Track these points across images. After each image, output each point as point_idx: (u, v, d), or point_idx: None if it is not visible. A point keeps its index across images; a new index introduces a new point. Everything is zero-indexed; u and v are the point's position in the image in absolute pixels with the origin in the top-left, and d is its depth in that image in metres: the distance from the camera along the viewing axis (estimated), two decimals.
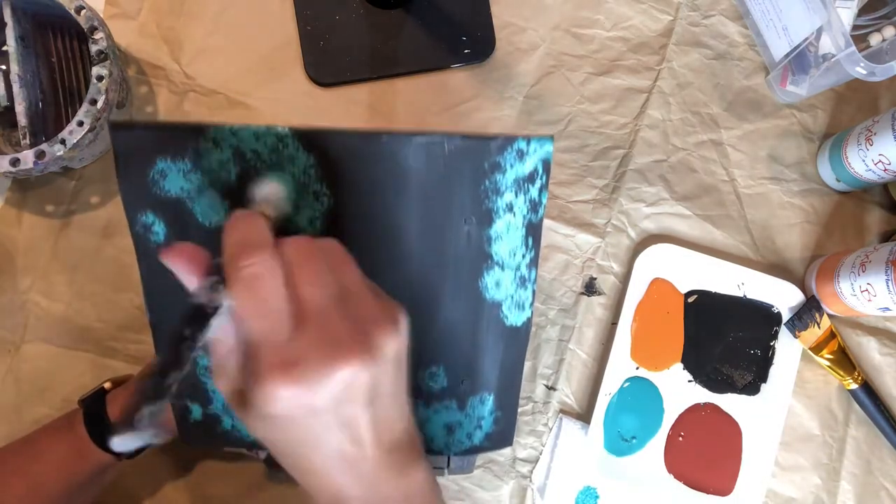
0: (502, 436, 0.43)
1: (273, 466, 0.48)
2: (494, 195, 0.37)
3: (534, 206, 0.38)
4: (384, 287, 0.38)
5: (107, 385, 0.46)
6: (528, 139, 0.36)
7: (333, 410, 0.26)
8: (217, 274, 0.28)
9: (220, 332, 0.28)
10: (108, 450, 0.43)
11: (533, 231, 0.38)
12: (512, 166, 0.37)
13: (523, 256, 0.39)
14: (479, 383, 0.41)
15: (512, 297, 0.40)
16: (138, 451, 0.46)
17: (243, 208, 0.35)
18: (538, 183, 0.37)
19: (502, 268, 0.39)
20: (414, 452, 0.31)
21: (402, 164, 0.36)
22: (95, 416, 0.44)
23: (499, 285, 0.39)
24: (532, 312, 0.40)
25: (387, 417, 0.29)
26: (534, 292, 0.40)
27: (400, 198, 0.37)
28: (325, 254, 0.29)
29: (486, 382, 0.41)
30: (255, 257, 0.26)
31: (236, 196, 0.35)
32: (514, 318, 0.40)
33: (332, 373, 0.25)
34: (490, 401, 0.42)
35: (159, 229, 0.36)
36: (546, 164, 0.37)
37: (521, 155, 0.37)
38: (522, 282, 0.39)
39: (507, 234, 0.38)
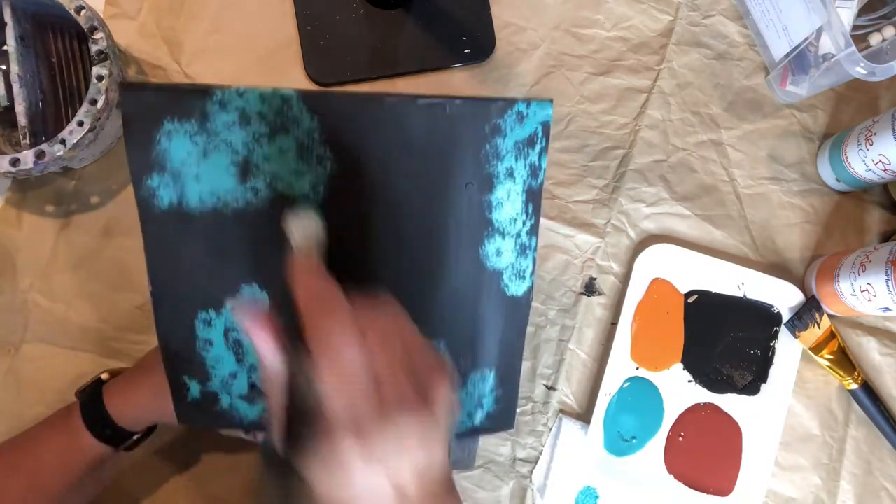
0: (503, 416, 0.43)
1: (269, 461, 0.48)
2: (495, 159, 0.37)
3: (534, 170, 0.38)
4: (386, 256, 0.38)
5: (104, 376, 0.46)
6: (528, 102, 0.37)
7: (384, 463, 0.28)
8: (291, 340, 0.29)
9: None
10: (105, 440, 0.43)
11: (533, 197, 0.39)
12: (512, 129, 0.37)
13: (524, 223, 0.39)
14: (480, 358, 0.41)
15: (512, 266, 0.40)
16: (136, 443, 0.45)
17: (247, 173, 0.36)
18: (538, 147, 0.38)
19: (503, 235, 0.39)
20: (449, 486, 0.33)
21: (404, 126, 0.36)
22: (92, 406, 0.43)
23: (499, 253, 0.39)
24: (533, 282, 0.41)
25: (430, 462, 0.30)
26: (534, 261, 0.40)
27: (402, 162, 0.37)
28: (387, 314, 0.31)
29: (487, 357, 0.41)
30: (337, 326, 0.28)
31: (240, 161, 0.36)
32: (515, 287, 0.40)
33: (396, 434, 0.27)
34: (491, 377, 0.42)
35: (164, 194, 0.36)
36: (546, 128, 0.37)
37: (521, 118, 0.37)
38: (523, 250, 0.40)
39: (507, 201, 0.38)
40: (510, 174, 0.38)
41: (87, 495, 0.46)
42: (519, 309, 0.41)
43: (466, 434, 0.43)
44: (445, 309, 0.40)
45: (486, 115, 0.37)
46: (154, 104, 0.35)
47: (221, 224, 0.37)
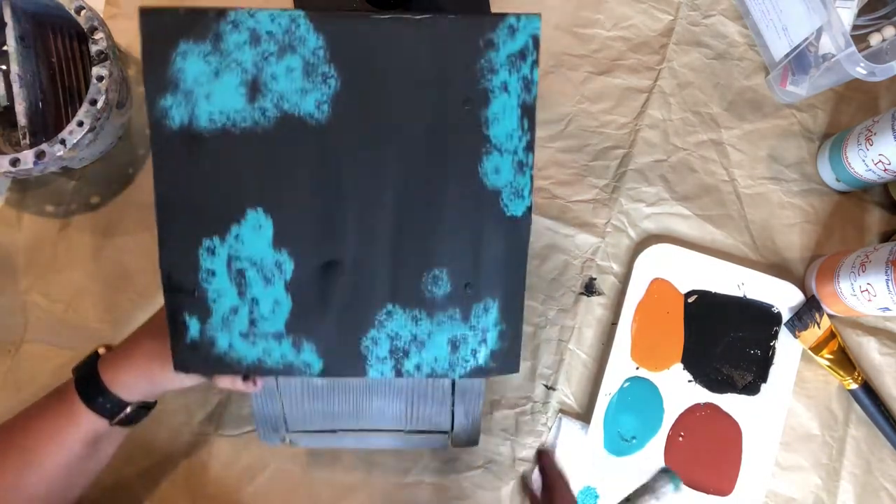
0: (508, 356, 0.42)
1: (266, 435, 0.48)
2: (490, 73, 0.38)
3: (527, 84, 0.39)
4: (388, 176, 0.39)
5: (101, 350, 0.46)
6: (518, 16, 0.38)
7: None
8: None
9: None
10: (99, 411, 0.42)
11: (528, 112, 0.39)
12: (504, 43, 0.38)
13: (520, 139, 0.39)
14: (482, 287, 0.41)
15: (511, 185, 0.40)
16: (131, 419, 0.44)
17: (256, 92, 0.38)
18: (529, 59, 0.39)
19: (500, 152, 0.39)
20: None
21: (404, 45, 0.38)
22: (88, 378, 0.43)
23: (498, 171, 0.40)
24: (531, 202, 0.40)
25: None
26: (531, 178, 0.40)
27: (402, 80, 0.38)
28: None
29: (489, 285, 0.41)
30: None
31: (249, 80, 0.38)
32: (514, 207, 0.40)
33: None
34: (494, 309, 0.41)
35: (176, 114, 0.38)
36: (535, 40, 0.38)
37: (513, 31, 0.38)
38: (520, 167, 0.40)
39: (503, 115, 0.39)
40: (505, 88, 0.39)
41: (83, 475, 0.45)
42: (519, 231, 0.41)
43: (471, 375, 0.42)
44: (446, 234, 0.40)
45: (479, 29, 0.38)
46: (171, 25, 0.37)
47: (229, 145, 0.38)
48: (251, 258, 0.40)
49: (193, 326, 0.40)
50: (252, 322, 0.40)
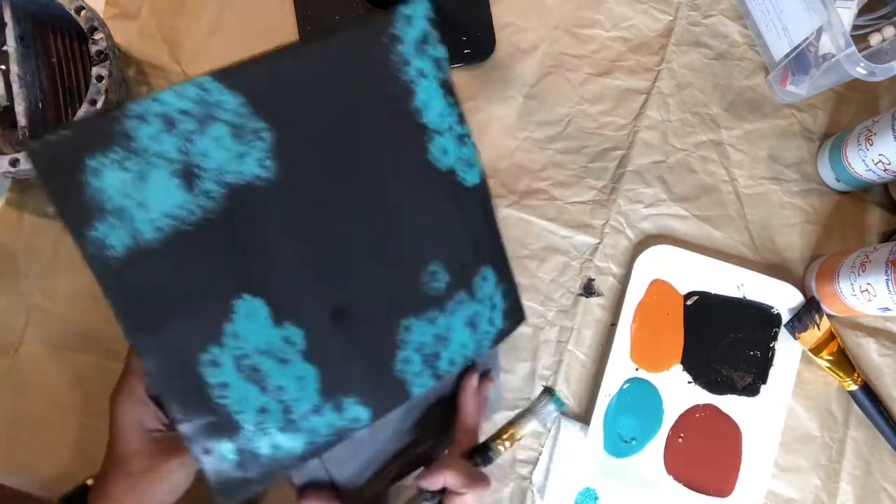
0: (514, 310, 0.43)
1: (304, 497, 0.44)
2: (405, 66, 0.38)
3: (438, 64, 0.39)
4: (352, 203, 0.38)
5: (90, 482, 0.41)
6: (406, 2, 0.38)
7: None
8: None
9: None
10: None
11: (448, 88, 0.39)
12: (406, 33, 0.38)
13: (451, 115, 0.40)
14: (474, 259, 0.41)
15: (460, 159, 0.40)
16: None
17: (192, 178, 0.34)
18: (433, 39, 0.39)
19: (440, 133, 0.39)
20: None
21: (318, 71, 0.37)
22: None
23: (445, 152, 0.40)
24: (481, 167, 0.41)
25: None
26: (474, 145, 0.41)
27: (331, 104, 0.37)
28: None
29: (479, 254, 0.42)
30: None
31: (182, 170, 0.34)
32: (470, 176, 0.41)
33: None
34: (490, 274, 0.42)
35: (115, 240, 0.33)
36: (432, 21, 0.38)
37: (409, 19, 0.38)
38: (461, 139, 0.40)
39: (429, 99, 0.39)
40: (422, 74, 0.38)
41: None
42: (482, 196, 0.41)
43: (495, 343, 0.42)
44: (425, 228, 0.39)
45: (379, 29, 0.37)
46: (67, 147, 0.32)
47: (187, 245, 0.34)
48: (258, 348, 0.35)
49: (227, 449, 0.35)
50: (286, 410, 0.36)
